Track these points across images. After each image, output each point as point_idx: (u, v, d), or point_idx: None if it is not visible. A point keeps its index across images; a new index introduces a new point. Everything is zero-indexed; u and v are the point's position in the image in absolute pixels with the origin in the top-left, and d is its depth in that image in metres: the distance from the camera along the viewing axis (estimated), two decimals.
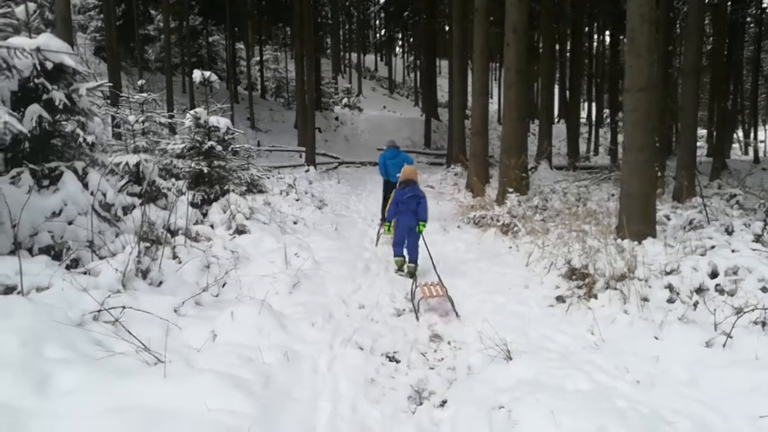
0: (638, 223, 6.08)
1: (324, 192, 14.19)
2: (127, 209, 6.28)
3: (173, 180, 8.64)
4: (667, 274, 4.99)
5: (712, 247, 5.54)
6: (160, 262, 5.44)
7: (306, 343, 4.26)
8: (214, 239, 7.18)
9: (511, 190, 9.19)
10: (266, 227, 8.25)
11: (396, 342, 4.60)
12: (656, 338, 4.16)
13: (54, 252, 4.88)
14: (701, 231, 6.34)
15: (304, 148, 19.64)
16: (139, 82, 10.03)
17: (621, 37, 23.26)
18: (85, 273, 4.69)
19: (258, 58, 31.18)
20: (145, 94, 9.29)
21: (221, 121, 8.52)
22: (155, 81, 22.58)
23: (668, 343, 4.05)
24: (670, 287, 4.82)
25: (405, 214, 6.76)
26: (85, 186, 5.60)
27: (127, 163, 6.84)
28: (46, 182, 5.29)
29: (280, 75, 32.83)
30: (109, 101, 13.04)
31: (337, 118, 29.35)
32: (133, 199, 6.53)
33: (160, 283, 5.25)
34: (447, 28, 42.54)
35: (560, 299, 5.26)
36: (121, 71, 20.53)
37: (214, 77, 8.69)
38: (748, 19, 25.42)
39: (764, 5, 24.34)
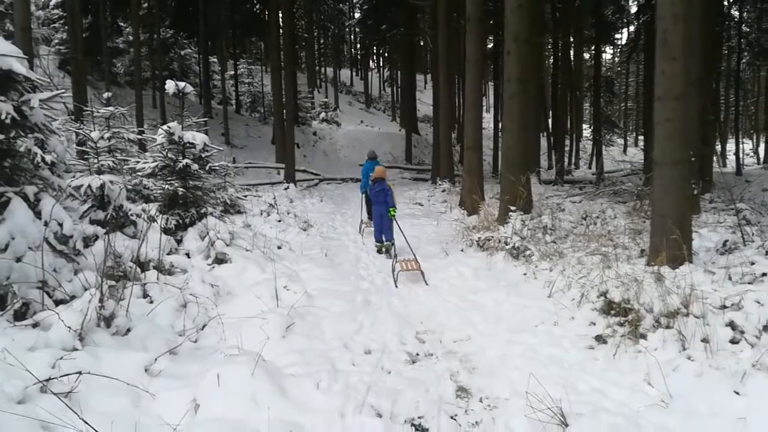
0: (673, 247, 5.41)
1: (307, 211, 13.33)
2: (89, 240, 5.38)
3: (144, 203, 7.73)
4: (726, 308, 4.31)
5: (764, 274, 4.89)
6: (127, 305, 4.55)
7: (312, 412, 3.42)
8: (191, 271, 6.30)
9: (513, 208, 8.49)
10: (249, 255, 7.38)
11: (418, 401, 3.79)
12: (737, 393, 3.44)
13: None
14: (739, 254, 5.71)
15: (282, 165, 18.76)
16: (105, 95, 9.10)
17: (603, 50, 23.08)
18: (34, 326, 3.79)
19: (232, 72, 30.25)
20: (111, 108, 8.38)
21: (197, 137, 7.67)
22: (124, 95, 21.50)
23: (754, 399, 3.34)
24: (732, 325, 4.13)
25: (378, 205, 8.63)
26: (38, 215, 4.70)
27: (89, 186, 5.93)
28: None
29: (256, 89, 31.93)
30: (73, 116, 12.06)
31: (315, 133, 28.55)
32: (95, 228, 5.60)
33: (128, 330, 4.36)
34: (423, 42, 42.31)
35: (601, 339, 4.52)
36: (87, 85, 19.52)
37: (189, 88, 7.85)
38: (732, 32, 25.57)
39: (745, 17, 24.49)
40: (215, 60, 30.36)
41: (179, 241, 7.29)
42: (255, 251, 7.67)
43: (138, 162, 7.84)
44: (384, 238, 8.55)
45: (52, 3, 21.56)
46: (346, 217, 12.63)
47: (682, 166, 5.45)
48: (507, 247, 7.32)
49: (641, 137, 47.15)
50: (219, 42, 29.86)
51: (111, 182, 6.09)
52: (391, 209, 8.36)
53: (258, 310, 5.32)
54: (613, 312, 4.73)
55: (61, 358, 3.34)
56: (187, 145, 7.70)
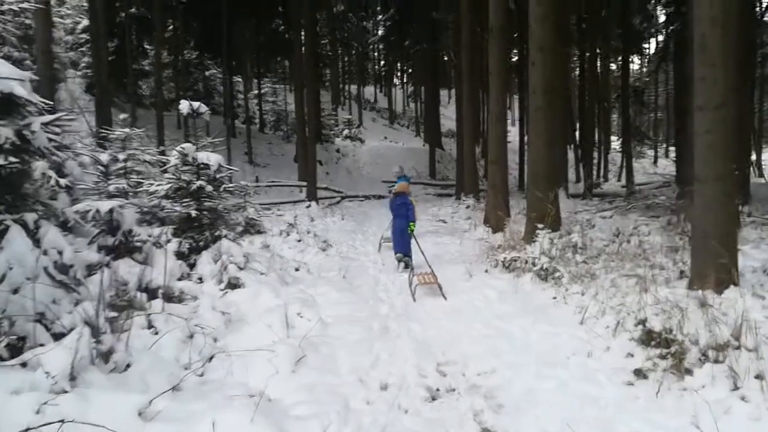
0: (717, 268, 4.95)
1: (327, 230, 13.09)
2: (92, 268, 5.16)
3: (160, 226, 7.55)
4: None
5: None
6: (127, 338, 4.30)
7: None
8: (202, 297, 6.04)
9: (540, 225, 8.07)
10: (263, 278, 7.12)
11: None
12: None
13: None
14: None
15: (304, 183, 18.62)
16: (121, 116, 9.00)
17: (631, 60, 22.50)
18: (23, 365, 3.55)
19: (256, 92, 30.50)
20: (127, 129, 8.26)
21: (212, 158, 7.47)
22: (148, 117, 21.73)
23: None
24: None
25: (398, 218, 8.72)
26: (37, 243, 4.50)
27: (97, 211, 5.74)
28: None
29: (279, 108, 32.09)
30: (95, 139, 12.10)
31: (338, 150, 28.47)
32: (99, 255, 5.40)
33: (128, 366, 4.10)
34: (447, 57, 42.18)
35: (641, 374, 4.08)
36: (112, 107, 19.77)
37: (203, 108, 7.69)
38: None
39: None
40: (239, 80, 30.66)
41: (192, 266, 7.06)
42: (270, 274, 7.41)
43: (152, 184, 7.67)
44: (401, 253, 8.63)
45: (79, 27, 21.98)
46: (367, 235, 12.34)
47: (724, 180, 5.01)
48: (535, 268, 6.91)
49: (671, 148, 46.12)
50: (243, 62, 30.19)
51: (120, 206, 5.90)
52: (410, 224, 8.48)
53: (269, 340, 5.02)
54: (653, 343, 4.28)
55: (46, 402, 3.07)
56: (202, 166, 7.51)
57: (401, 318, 6.14)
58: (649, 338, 4.39)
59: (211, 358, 4.85)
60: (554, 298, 6.14)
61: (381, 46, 48.53)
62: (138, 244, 6.07)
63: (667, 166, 39.20)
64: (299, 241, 11.09)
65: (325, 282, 7.66)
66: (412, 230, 8.54)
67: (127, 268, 5.73)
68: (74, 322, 4.29)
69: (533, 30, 8.61)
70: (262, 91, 31.34)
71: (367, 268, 8.80)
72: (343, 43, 46.77)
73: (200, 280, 6.81)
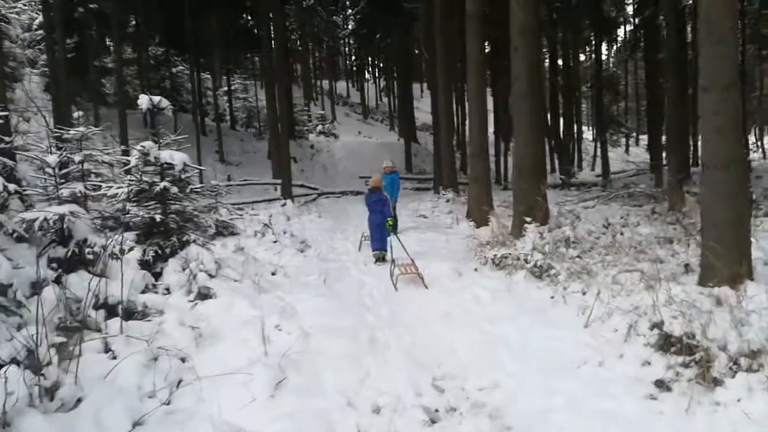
0: (730, 262, 4.58)
1: (304, 229, 12.52)
2: (38, 286, 4.55)
3: (122, 233, 6.92)
4: None
5: None
6: (76, 368, 3.72)
7: None
8: (168, 311, 5.46)
9: (528, 219, 7.68)
10: (237, 286, 6.56)
11: None
12: None
13: None
14: None
15: (279, 181, 17.99)
16: (75, 114, 8.32)
17: (604, 47, 22.32)
18: None
19: (226, 88, 29.60)
20: (82, 128, 7.59)
21: (176, 156, 6.86)
22: (114, 116, 20.82)
23: None
24: None
25: (374, 214, 8.71)
26: None
27: (45, 220, 5.12)
28: None
29: (251, 104, 31.25)
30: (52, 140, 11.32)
31: (312, 147, 27.82)
32: (46, 270, 4.78)
33: (78, 401, 3.54)
34: (419, 50, 41.71)
35: (663, 386, 3.67)
36: (74, 106, 18.82)
37: (164, 103, 7.06)
38: None
39: None
40: (208, 76, 29.72)
41: (158, 275, 6.47)
42: (245, 281, 6.84)
43: (110, 188, 7.02)
44: (380, 248, 8.62)
45: (36, 23, 20.86)
46: (346, 234, 11.80)
47: (734, 166, 4.64)
48: (528, 265, 6.49)
49: (642, 136, 46.50)
50: (212, 58, 29.25)
51: (72, 213, 5.28)
52: (388, 219, 8.47)
53: (245, 359, 4.50)
54: (673, 349, 3.87)
55: None
56: (165, 165, 6.90)
57: (389, 325, 5.65)
58: (667, 344, 3.99)
59: (179, 383, 4.29)
60: (552, 297, 5.73)
61: (352, 41, 47.97)
62: (93, 254, 5.43)
63: (639, 154, 39.50)
64: (275, 242, 10.52)
65: (304, 287, 7.13)
66: (390, 225, 8.49)
67: (81, 283, 5.12)
68: (14, 351, 3.71)
69: (515, 14, 8.18)
70: (233, 88, 30.45)
71: (348, 270, 8.29)
72: (313, 37, 46.00)
73: (167, 291, 6.23)
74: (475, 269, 7.29)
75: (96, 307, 4.89)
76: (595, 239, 7.82)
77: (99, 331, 4.50)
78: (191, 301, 5.98)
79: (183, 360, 4.69)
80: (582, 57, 33.28)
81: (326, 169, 25.80)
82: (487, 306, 5.90)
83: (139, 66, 22.77)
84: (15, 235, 5.39)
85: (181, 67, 28.00)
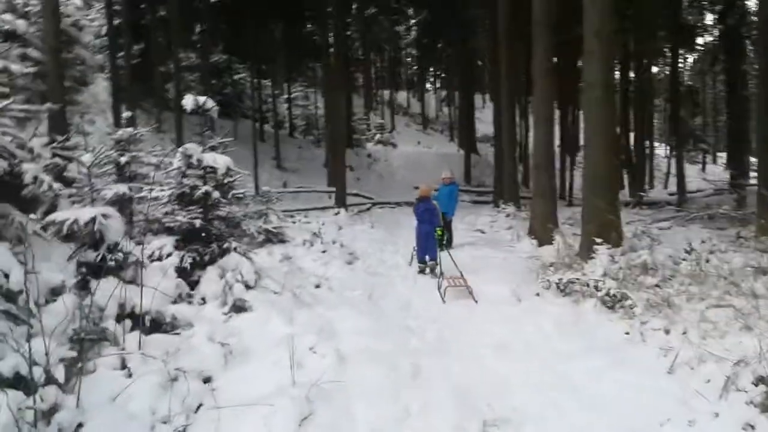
0: None
1: (355, 239, 12.08)
2: (58, 292, 4.25)
3: (157, 238, 6.67)
4: None
5: None
6: (78, 389, 3.33)
7: None
8: (198, 324, 5.08)
9: (599, 240, 6.88)
10: (277, 299, 6.14)
11: None
12: None
13: None
14: None
15: (333, 189, 17.71)
16: (124, 114, 8.22)
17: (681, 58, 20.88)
18: None
19: (287, 96, 29.89)
20: (130, 130, 7.44)
21: (219, 160, 6.53)
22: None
23: None
24: None
25: (423, 223, 8.52)
26: None
27: (75, 221, 4.85)
28: None
29: (310, 112, 31.43)
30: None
31: (369, 155, 27.55)
32: (65, 276, 4.48)
33: (78, 427, 3.14)
34: (481, 61, 40.90)
35: None
36: (138, 111, 19.31)
37: (210, 103, 6.78)
38: None
39: None
40: (269, 83, 30.09)
41: (195, 284, 6.14)
42: (285, 294, 6.41)
43: (153, 190, 6.78)
44: (428, 258, 8.40)
45: (104, 30, 21.69)
46: (397, 246, 11.24)
47: None
48: (599, 293, 5.72)
49: (719, 154, 43.64)
50: (273, 65, 29.63)
51: (104, 215, 5.00)
52: (437, 229, 8.30)
53: (272, 386, 4.02)
54: None
55: None
56: (208, 169, 6.60)
57: (435, 353, 5.04)
58: None
59: (198, 408, 3.87)
60: (627, 333, 4.96)
61: (413, 51, 47.69)
62: (124, 259, 5.12)
63: (716, 172, 36.96)
64: (324, 252, 10.13)
65: (347, 304, 6.63)
66: (440, 235, 8.32)
67: (109, 290, 4.81)
68: (18, 365, 3.36)
69: (588, 14, 7.45)
70: (293, 96, 30.72)
71: (395, 286, 7.73)
72: (375, 46, 46.04)
73: (203, 301, 5.89)
74: (537, 294, 6.56)
75: (120, 318, 4.55)
76: (675, 266, 6.93)
77: (118, 344, 4.13)
78: (225, 313, 5.60)
79: (207, 380, 4.29)
80: (655, 69, 31.58)
81: (383, 179, 25.42)
82: (551, 339, 5.19)
83: (202, 72, 23.20)
84: (52, 235, 5.21)
85: (244, 74, 28.49)
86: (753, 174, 15.97)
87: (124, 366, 3.95)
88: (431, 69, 50.62)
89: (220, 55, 25.86)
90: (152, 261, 6.23)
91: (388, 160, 27.82)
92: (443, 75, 48.90)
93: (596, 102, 7.23)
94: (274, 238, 10.79)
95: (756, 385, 3.37)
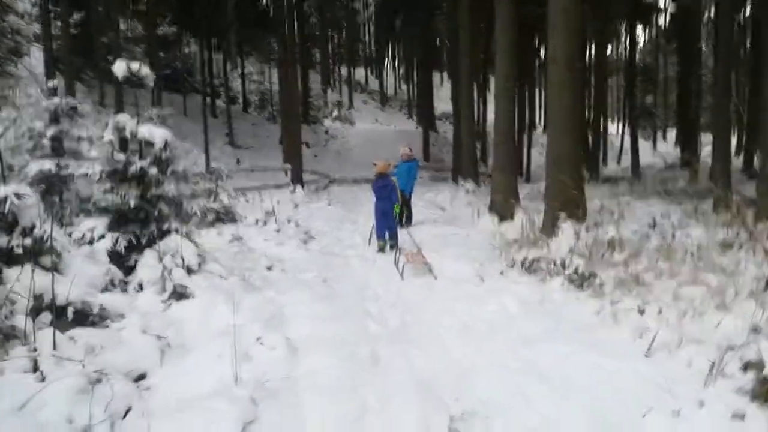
0: None
1: (311, 218, 11.61)
2: None
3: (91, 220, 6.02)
4: None
5: None
6: None
7: None
8: (131, 315, 4.55)
9: (562, 216, 6.62)
10: (222, 283, 5.63)
11: None
12: None
13: None
14: None
15: (289, 166, 17.07)
16: (50, 84, 7.43)
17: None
18: None
19: (240, 71, 28.73)
20: (57, 100, 6.71)
21: (156, 133, 5.90)
22: (128, 95, 20.01)
23: None
24: None
25: (381, 200, 8.35)
26: None
27: None
28: None
29: (265, 87, 30.37)
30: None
31: (327, 132, 26.91)
32: None
33: None
34: (439, 39, 40.41)
35: None
36: (78, 83, 18.11)
37: (145, 71, 6.10)
38: None
39: None
40: (221, 57, 28.84)
41: (132, 269, 5.56)
42: (231, 278, 5.90)
43: (80, 167, 6.11)
44: (387, 237, 8.28)
45: None
46: (356, 225, 10.82)
47: None
48: (566, 271, 5.45)
49: (668, 131, 44.79)
50: (226, 39, 28.39)
51: (17, 195, 4.36)
52: (395, 205, 8.30)
53: (211, 385, 3.56)
54: None
55: None
56: (144, 143, 5.97)
57: (395, 339, 4.66)
58: (764, 389, 2.95)
59: (126, 414, 3.37)
60: (598, 313, 4.69)
61: (372, 27, 46.80)
62: (41, 243, 4.51)
63: (665, 149, 37.81)
64: (278, 231, 9.64)
65: (301, 287, 6.17)
66: (397, 211, 8.37)
67: (23, 280, 4.20)
68: None
69: None
70: (247, 71, 29.58)
71: (353, 268, 7.32)
72: (332, 22, 44.83)
73: (140, 287, 5.33)
74: (501, 272, 6.26)
75: (36, 311, 3.97)
76: (639, 242, 6.75)
77: (29, 343, 3.57)
78: (164, 301, 5.07)
79: (140, 378, 3.80)
80: (609, 48, 31.75)
81: (341, 156, 24.88)
82: (517, 320, 4.88)
83: (149, 45, 21.91)
84: None
85: (195, 48, 27.14)
86: (706, 151, 16.22)
87: (36, 368, 3.40)
88: (390, 46, 49.91)
89: (169, 26, 24.50)
90: (82, 245, 5.64)
91: (346, 137, 27.25)
92: (402, 52, 48.26)
93: (561, 76, 6.91)
94: (225, 217, 10.23)
95: (744, 371, 3.12)
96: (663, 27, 29.41)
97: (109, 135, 5.93)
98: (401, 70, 52.15)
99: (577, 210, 6.74)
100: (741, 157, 21.63)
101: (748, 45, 20.67)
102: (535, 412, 3.40)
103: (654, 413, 3.12)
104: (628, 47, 23.71)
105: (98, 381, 3.44)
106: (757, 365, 3.06)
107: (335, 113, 31.35)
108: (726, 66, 11.75)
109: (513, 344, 4.39)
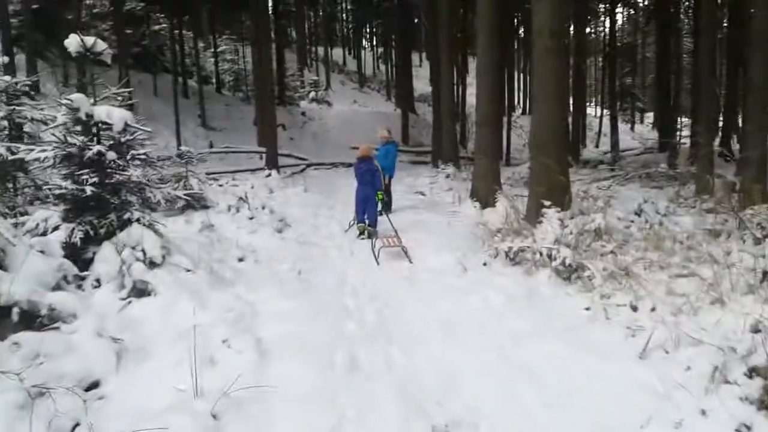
0: None
1: (287, 204, 11.17)
2: None
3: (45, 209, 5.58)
4: None
5: None
6: None
7: None
8: (85, 316, 4.15)
9: (547, 203, 6.35)
10: (188, 278, 5.25)
11: None
12: None
13: None
14: None
15: (263, 149, 16.55)
16: (3, 59, 6.87)
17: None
18: None
19: (213, 50, 27.81)
20: (7, 78, 6.17)
21: (114, 114, 5.44)
22: (109, 78, 19.19)
23: None
24: None
25: (363, 185, 8.07)
26: None
27: None
28: None
29: (239, 67, 29.50)
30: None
31: (303, 114, 26.24)
32: None
33: None
34: (418, 18, 39.70)
35: None
36: (42, 62, 17.31)
37: (101, 45, 5.62)
38: None
39: None
40: (192, 36, 27.86)
41: (89, 263, 5.15)
42: (199, 272, 5.52)
43: (31, 152, 5.61)
44: (367, 222, 8.01)
45: None
46: (333, 212, 10.45)
47: None
48: (553, 263, 5.19)
49: (647, 114, 44.95)
50: (197, 16, 27.42)
51: None
52: (378, 192, 8.06)
53: (170, 397, 3.22)
54: None
55: None
56: (101, 125, 5.51)
57: (375, 339, 4.36)
58: None
59: (73, 430, 3.03)
60: (587, 309, 4.44)
61: (349, 6, 45.79)
62: None
63: (642, 132, 37.96)
64: (251, 218, 9.20)
65: (273, 280, 5.83)
66: (380, 199, 8.14)
67: None
68: None
69: None
70: (220, 50, 28.65)
71: (331, 259, 6.97)
72: (309, 0, 43.74)
73: (98, 283, 4.93)
74: (485, 263, 5.97)
75: None
76: (626, 229, 6.55)
77: None
78: (123, 299, 4.69)
79: (92, 388, 3.45)
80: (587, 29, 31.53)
81: (317, 138, 24.29)
82: (503, 317, 4.61)
83: (116, 22, 20.98)
84: None
85: (165, 26, 26.14)
86: (685, 134, 16.13)
87: None
88: (368, 25, 48.95)
89: (137, 2, 23.48)
90: (34, 236, 5.21)
91: (323, 119, 26.62)
92: (380, 32, 47.37)
93: (546, 52, 6.57)
94: (195, 204, 9.75)
95: (750, 377, 2.89)
96: (642, 3, 29.14)
97: (62, 116, 5.46)
98: (380, 50, 51.30)
99: (563, 197, 6.47)
100: (717, 140, 21.66)
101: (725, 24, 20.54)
102: (525, 421, 3.14)
103: (654, 424, 2.88)
104: (609, 25, 23.41)
105: (41, 394, 3.08)
106: (764, 371, 2.84)
107: (312, 94, 30.62)
108: (710, 36, 11.49)
109: (500, 344, 4.11)
